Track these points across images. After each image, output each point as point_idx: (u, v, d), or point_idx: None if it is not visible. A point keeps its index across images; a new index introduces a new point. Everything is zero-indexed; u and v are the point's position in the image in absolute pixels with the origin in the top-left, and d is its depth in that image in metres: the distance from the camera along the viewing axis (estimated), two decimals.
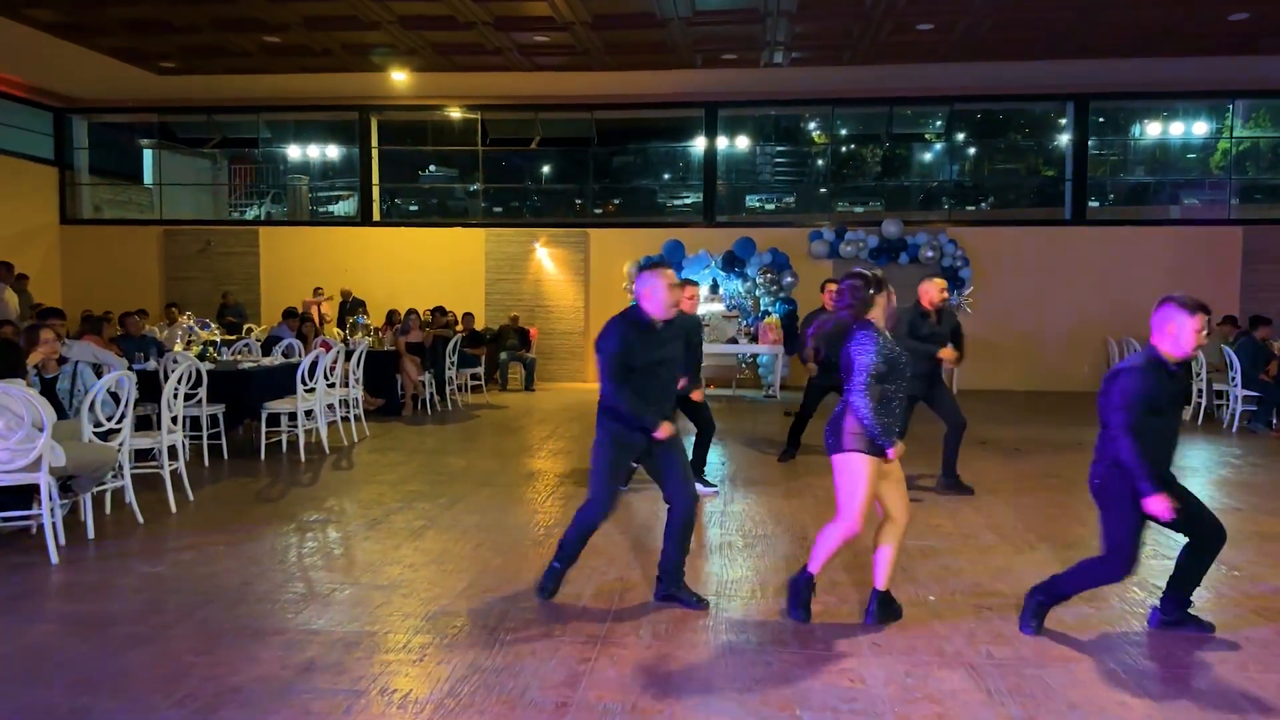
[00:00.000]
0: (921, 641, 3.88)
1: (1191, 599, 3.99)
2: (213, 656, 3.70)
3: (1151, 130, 16.22)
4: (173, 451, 6.31)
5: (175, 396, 6.26)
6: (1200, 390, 10.55)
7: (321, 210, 19.04)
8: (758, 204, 18.51)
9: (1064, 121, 15.27)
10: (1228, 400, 10.23)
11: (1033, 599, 4.01)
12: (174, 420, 6.24)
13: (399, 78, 14.24)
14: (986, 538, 5.51)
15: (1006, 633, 3.98)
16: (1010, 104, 16.00)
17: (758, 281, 13.70)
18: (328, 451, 8.20)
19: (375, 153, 15.85)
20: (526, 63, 13.30)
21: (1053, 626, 4.04)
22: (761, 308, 13.57)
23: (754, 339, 13.05)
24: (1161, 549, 5.26)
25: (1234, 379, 9.93)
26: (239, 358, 8.85)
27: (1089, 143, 14.72)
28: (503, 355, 13.81)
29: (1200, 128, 15.88)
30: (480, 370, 12.64)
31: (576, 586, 4.56)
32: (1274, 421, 9.74)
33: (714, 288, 13.55)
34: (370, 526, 5.73)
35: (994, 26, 11.52)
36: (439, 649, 3.79)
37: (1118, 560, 3.76)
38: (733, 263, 13.78)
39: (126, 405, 5.62)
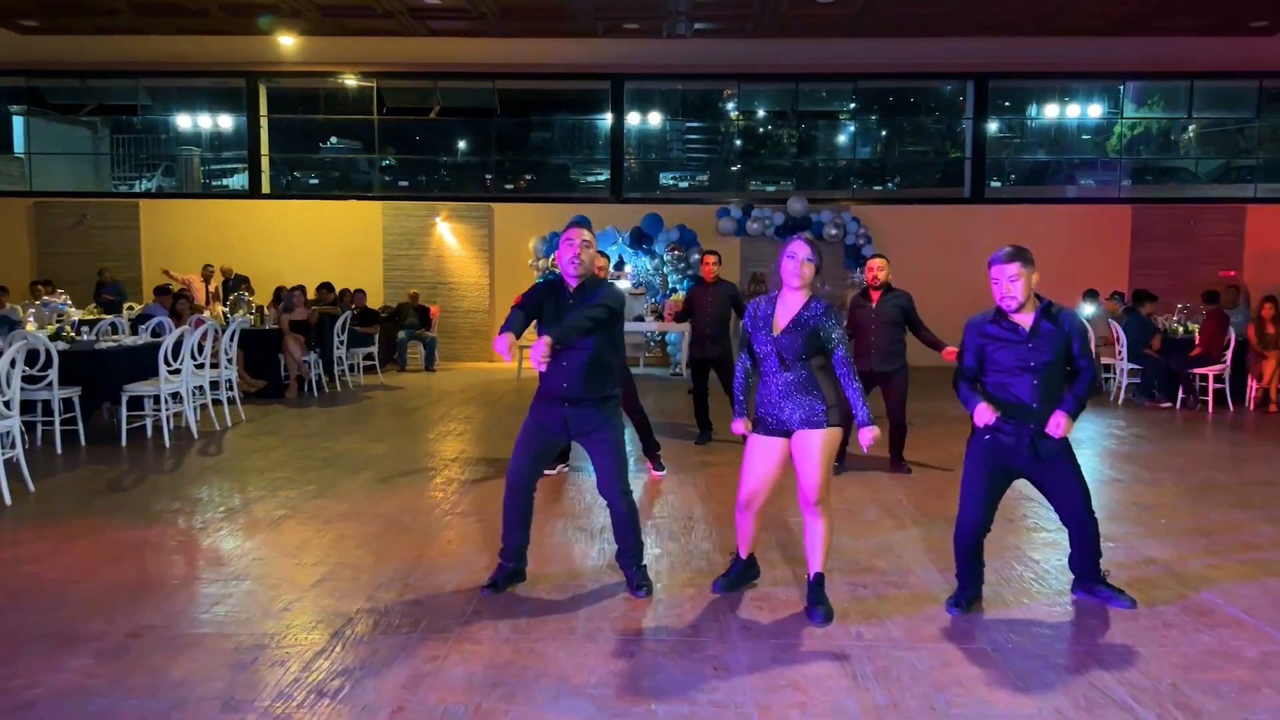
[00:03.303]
0: (792, 623, 3.74)
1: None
2: (12, 667, 3.31)
3: (1049, 112, 16.55)
4: (10, 438, 5.77)
5: (9, 378, 5.72)
6: None
7: (216, 184, 18.03)
8: (671, 181, 18.30)
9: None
10: (1114, 374, 10.49)
11: None
12: (7, 404, 5.69)
13: (286, 42, 13.52)
14: (870, 513, 5.42)
15: (879, 611, 3.86)
16: (911, 81, 16.05)
17: (665, 259, 13.52)
18: (196, 436, 7.67)
19: (264, 122, 15.05)
20: (421, 27, 12.77)
21: (925, 604, 3.94)
22: (670, 285, 13.39)
23: (661, 316, 12.86)
24: (1044, 523, 5.25)
25: (1120, 353, 10.17)
26: (99, 337, 8.21)
27: (992, 125, 14.92)
28: (401, 334, 13.31)
29: (1096, 110, 16.27)
30: (374, 350, 12.11)
31: (441, 577, 4.28)
32: (1155, 395, 10.01)
33: (619, 264, 13.29)
34: (226, 517, 5.32)
35: (893, 1, 11.50)
36: (275, 650, 3.47)
37: None
38: (640, 239, 13.55)
39: None
